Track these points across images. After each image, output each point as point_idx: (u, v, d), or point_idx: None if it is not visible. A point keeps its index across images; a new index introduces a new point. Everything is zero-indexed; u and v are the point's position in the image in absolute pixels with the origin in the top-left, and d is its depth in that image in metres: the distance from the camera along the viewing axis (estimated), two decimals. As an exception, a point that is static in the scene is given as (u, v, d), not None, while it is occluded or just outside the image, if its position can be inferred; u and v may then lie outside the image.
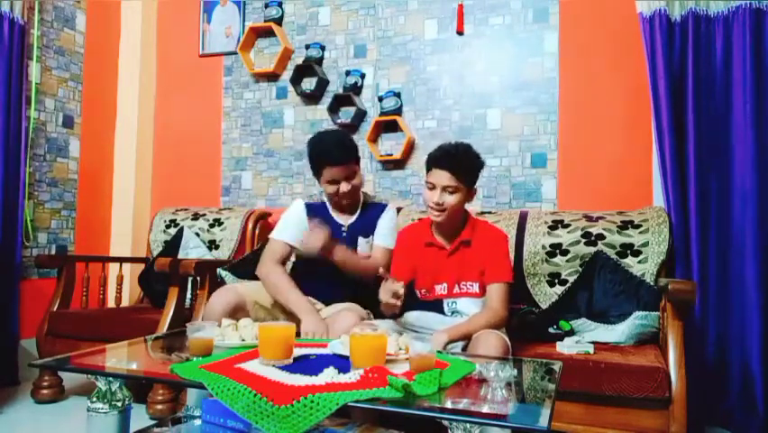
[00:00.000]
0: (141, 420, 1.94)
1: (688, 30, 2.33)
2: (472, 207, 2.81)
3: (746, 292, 2.21)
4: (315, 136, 2.15)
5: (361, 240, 2.14)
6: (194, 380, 1.22)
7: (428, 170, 1.89)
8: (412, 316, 1.96)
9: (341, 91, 3.14)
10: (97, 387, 1.35)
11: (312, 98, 3.25)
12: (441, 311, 1.94)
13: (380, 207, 2.21)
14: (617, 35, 2.73)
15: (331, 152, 2.04)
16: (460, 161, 1.84)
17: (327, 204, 2.20)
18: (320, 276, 2.06)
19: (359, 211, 2.19)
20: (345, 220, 2.17)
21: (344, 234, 2.14)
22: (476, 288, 1.91)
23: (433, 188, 1.86)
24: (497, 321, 1.81)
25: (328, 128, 2.41)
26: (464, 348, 1.77)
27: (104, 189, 3.48)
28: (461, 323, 1.82)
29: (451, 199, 1.84)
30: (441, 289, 1.94)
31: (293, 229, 2.11)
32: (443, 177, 1.83)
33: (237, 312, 1.91)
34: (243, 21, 3.41)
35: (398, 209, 2.62)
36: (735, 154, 2.28)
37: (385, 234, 2.15)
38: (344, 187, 2.06)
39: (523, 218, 2.52)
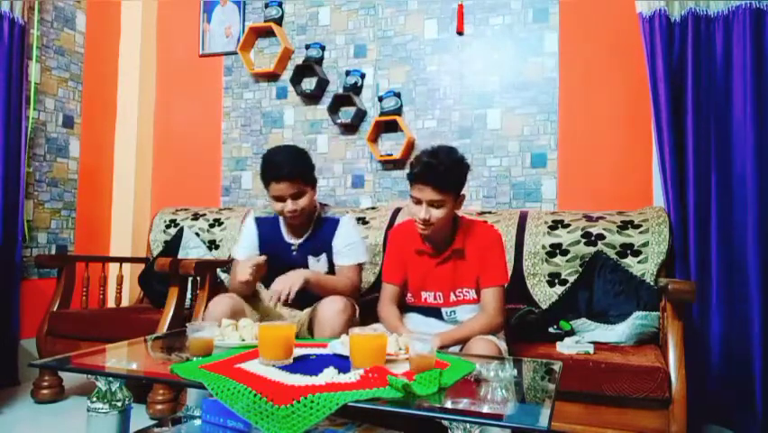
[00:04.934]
0: (141, 420, 1.94)
1: (688, 30, 2.33)
2: (472, 207, 2.83)
3: (746, 292, 2.21)
4: (270, 149, 2.09)
5: (311, 259, 2.06)
6: (194, 380, 1.22)
7: (411, 183, 1.78)
8: (411, 320, 1.95)
9: (341, 91, 3.14)
10: (97, 387, 1.35)
11: (312, 98, 3.25)
12: (439, 318, 1.92)
13: (333, 223, 2.08)
14: (617, 35, 2.73)
15: (278, 166, 1.95)
16: (442, 174, 1.73)
17: (280, 219, 2.14)
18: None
19: (310, 230, 2.09)
20: (296, 239, 2.10)
21: (294, 252, 2.08)
22: (472, 294, 1.87)
23: (418, 202, 1.77)
24: (491, 327, 1.79)
25: (288, 144, 2.20)
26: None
27: (104, 189, 3.48)
28: (454, 328, 1.81)
29: (438, 213, 1.76)
30: (429, 297, 1.91)
31: (248, 249, 2.12)
32: (427, 192, 1.73)
33: (236, 315, 1.88)
34: (243, 21, 3.41)
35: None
36: (735, 154, 2.28)
37: (348, 252, 2.06)
38: (290, 206, 1.96)
39: (523, 218, 2.52)
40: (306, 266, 2.06)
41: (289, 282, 1.85)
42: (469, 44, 2.99)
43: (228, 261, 2.72)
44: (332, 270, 2.09)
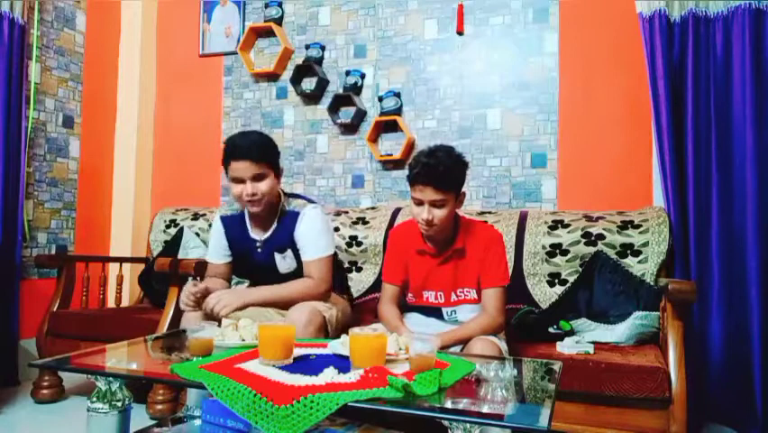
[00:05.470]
0: (141, 420, 1.94)
1: (688, 30, 2.34)
2: (472, 207, 2.83)
3: (747, 292, 2.21)
4: (234, 133, 2.01)
5: (277, 257, 1.98)
6: (194, 380, 1.21)
7: (411, 185, 1.78)
8: (411, 320, 1.95)
9: (341, 91, 3.14)
10: (97, 387, 1.35)
11: (312, 98, 3.25)
12: (440, 317, 1.92)
13: (295, 216, 1.98)
14: (617, 35, 2.73)
15: (238, 145, 1.88)
16: (442, 174, 1.73)
17: (245, 214, 2.05)
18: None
19: (275, 224, 1.99)
20: (261, 234, 2.01)
21: (259, 249, 2.00)
22: (473, 294, 1.87)
23: (420, 203, 1.77)
24: (492, 327, 1.79)
25: (253, 129, 2.04)
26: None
27: (104, 189, 3.48)
28: (454, 329, 1.81)
29: (440, 213, 1.76)
30: (431, 296, 1.91)
31: (217, 249, 2.08)
32: (428, 193, 1.73)
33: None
34: (243, 21, 3.41)
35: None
36: (735, 154, 2.29)
37: (310, 245, 1.96)
38: (249, 188, 1.86)
39: (523, 218, 2.52)
40: (272, 265, 1.99)
41: (223, 302, 1.80)
42: (469, 44, 2.99)
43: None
44: (301, 265, 2.00)
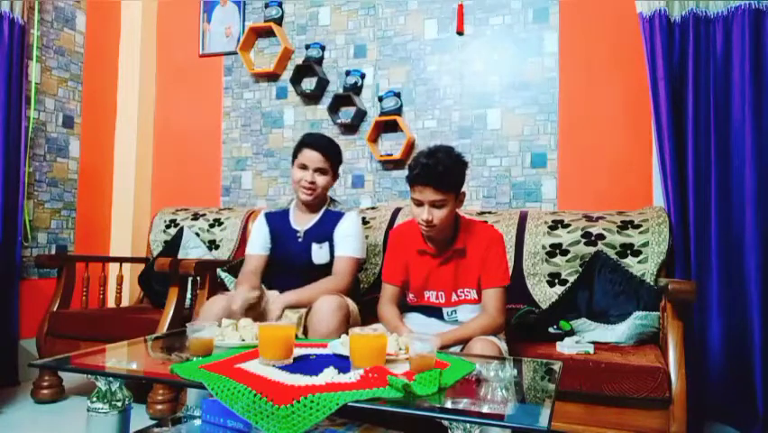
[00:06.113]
0: (141, 420, 1.94)
1: (688, 30, 2.34)
2: (472, 207, 2.83)
3: (746, 291, 2.21)
4: None
5: (314, 246, 2.14)
6: (194, 380, 1.21)
7: (411, 186, 1.79)
8: (412, 320, 1.95)
9: (341, 91, 3.14)
10: (97, 387, 1.35)
11: (312, 98, 3.25)
12: (440, 317, 1.92)
13: (338, 216, 2.18)
14: (617, 35, 2.73)
15: (315, 138, 2.16)
16: (442, 175, 1.73)
17: (290, 210, 2.24)
18: (297, 281, 2.05)
19: (318, 217, 2.18)
20: (302, 226, 2.18)
21: (300, 239, 2.16)
22: (474, 294, 1.87)
23: (420, 204, 1.78)
24: (492, 328, 1.79)
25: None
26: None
27: (104, 189, 3.48)
28: (454, 328, 1.81)
29: (440, 213, 1.76)
30: (432, 296, 1.91)
31: (259, 240, 2.23)
32: (428, 193, 1.74)
33: (231, 316, 1.90)
34: (243, 21, 3.41)
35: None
36: (734, 154, 2.29)
37: (344, 243, 2.13)
38: (309, 176, 2.09)
39: (523, 218, 2.52)
40: (308, 254, 2.13)
41: (271, 318, 1.92)
42: (469, 44, 2.99)
43: (228, 260, 2.73)
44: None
